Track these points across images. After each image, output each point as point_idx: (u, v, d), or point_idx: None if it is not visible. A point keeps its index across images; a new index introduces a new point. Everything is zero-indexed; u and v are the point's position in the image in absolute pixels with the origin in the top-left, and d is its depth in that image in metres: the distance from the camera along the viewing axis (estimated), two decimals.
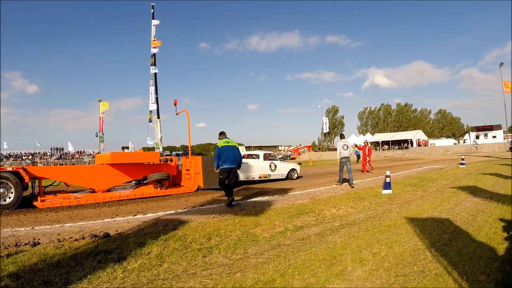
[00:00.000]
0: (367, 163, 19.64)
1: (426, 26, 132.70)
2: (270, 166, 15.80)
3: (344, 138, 13.78)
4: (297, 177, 17.00)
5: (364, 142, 21.43)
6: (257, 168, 15.33)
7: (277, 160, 16.78)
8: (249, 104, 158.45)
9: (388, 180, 10.52)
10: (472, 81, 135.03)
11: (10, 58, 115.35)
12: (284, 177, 16.50)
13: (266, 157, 16.09)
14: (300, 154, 73.08)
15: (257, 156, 16.18)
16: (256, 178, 15.24)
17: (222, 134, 9.77)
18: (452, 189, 11.10)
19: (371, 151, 20.48)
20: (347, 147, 13.21)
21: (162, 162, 13.28)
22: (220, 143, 9.40)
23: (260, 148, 63.52)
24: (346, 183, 13.07)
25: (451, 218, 6.93)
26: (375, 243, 5.28)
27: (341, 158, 13.19)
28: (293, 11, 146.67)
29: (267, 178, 15.67)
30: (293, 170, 16.95)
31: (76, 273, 4.06)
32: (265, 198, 10.38)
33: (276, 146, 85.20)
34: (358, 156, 36.92)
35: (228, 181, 9.18)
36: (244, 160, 15.36)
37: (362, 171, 19.50)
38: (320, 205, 8.52)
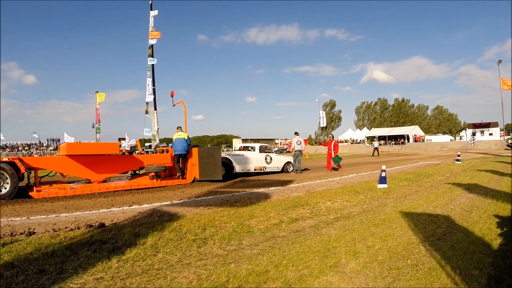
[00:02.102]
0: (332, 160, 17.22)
1: (425, 21, 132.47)
2: (265, 158, 15.89)
3: (298, 135, 16.92)
4: (293, 170, 16.99)
5: (329, 137, 19.37)
6: (252, 160, 15.40)
7: (272, 153, 16.80)
8: (247, 97, 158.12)
9: (383, 174, 10.54)
10: (470, 78, 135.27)
11: (6, 48, 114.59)
12: (280, 170, 16.56)
13: (261, 150, 16.18)
14: None
15: (253, 149, 16.23)
16: (252, 170, 15.34)
17: (178, 128, 12.95)
18: (447, 184, 11.15)
19: (338, 147, 17.65)
20: (300, 142, 16.55)
21: (125, 154, 12.84)
22: (174, 135, 12.70)
23: (257, 141, 63.46)
24: (336, 176, 13.08)
25: (445, 213, 6.96)
26: (369, 237, 5.30)
27: (294, 151, 16.43)
28: (292, 4, 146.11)
29: (262, 171, 15.76)
30: (288, 163, 16.99)
31: (71, 263, 4.07)
32: (261, 190, 10.40)
33: (273, 139, 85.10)
34: (376, 149, 37.30)
35: (181, 164, 12.60)
36: (240, 152, 15.96)
37: (327, 170, 17.25)
38: (315, 198, 8.54)
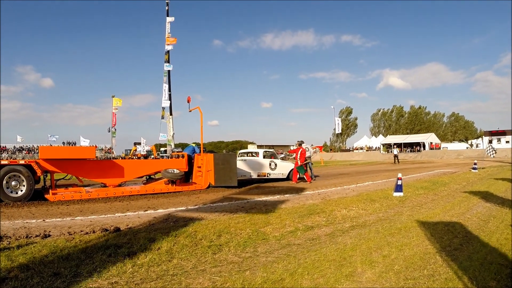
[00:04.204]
0: (299, 171, 15.26)
1: (442, 27, 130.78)
2: (270, 164, 15.34)
3: (304, 143, 16.78)
4: (299, 178, 16.04)
5: (297, 144, 16.59)
6: (255, 166, 15.01)
7: (278, 158, 16.19)
8: (263, 102, 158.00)
9: (399, 182, 10.43)
10: (486, 85, 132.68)
11: (23, 52, 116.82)
12: (285, 177, 15.83)
13: (266, 155, 15.63)
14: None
15: (257, 154, 15.78)
16: (255, 176, 14.89)
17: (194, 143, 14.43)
18: (464, 193, 11.00)
19: (304, 155, 15.23)
20: (308, 149, 16.97)
21: (103, 159, 12.48)
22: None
23: (271, 147, 63.25)
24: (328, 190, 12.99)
25: (462, 222, 6.86)
26: (386, 246, 5.25)
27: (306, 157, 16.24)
28: (308, 9, 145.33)
29: (266, 177, 15.29)
30: None
31: (86, 266, 4.10)
32: (276, 197, 10.38)
33: (287, 145, 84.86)
34: (396, 156, 36.59)
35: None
36: (242, 158, 15.50)
37: (306, 181, 15.33)
38: (331, 205, 8.49)
